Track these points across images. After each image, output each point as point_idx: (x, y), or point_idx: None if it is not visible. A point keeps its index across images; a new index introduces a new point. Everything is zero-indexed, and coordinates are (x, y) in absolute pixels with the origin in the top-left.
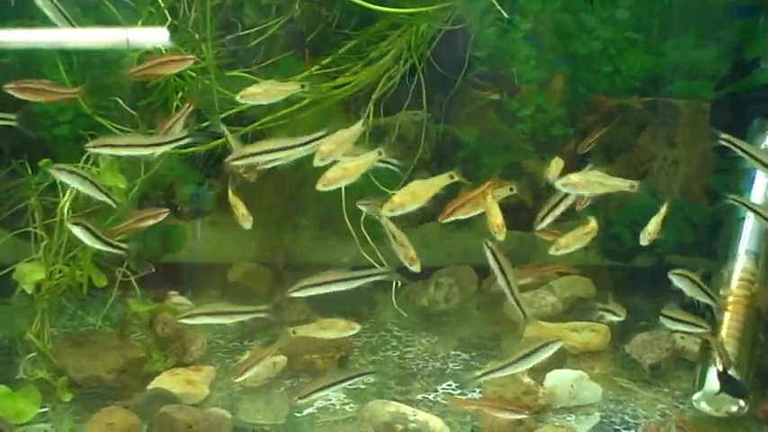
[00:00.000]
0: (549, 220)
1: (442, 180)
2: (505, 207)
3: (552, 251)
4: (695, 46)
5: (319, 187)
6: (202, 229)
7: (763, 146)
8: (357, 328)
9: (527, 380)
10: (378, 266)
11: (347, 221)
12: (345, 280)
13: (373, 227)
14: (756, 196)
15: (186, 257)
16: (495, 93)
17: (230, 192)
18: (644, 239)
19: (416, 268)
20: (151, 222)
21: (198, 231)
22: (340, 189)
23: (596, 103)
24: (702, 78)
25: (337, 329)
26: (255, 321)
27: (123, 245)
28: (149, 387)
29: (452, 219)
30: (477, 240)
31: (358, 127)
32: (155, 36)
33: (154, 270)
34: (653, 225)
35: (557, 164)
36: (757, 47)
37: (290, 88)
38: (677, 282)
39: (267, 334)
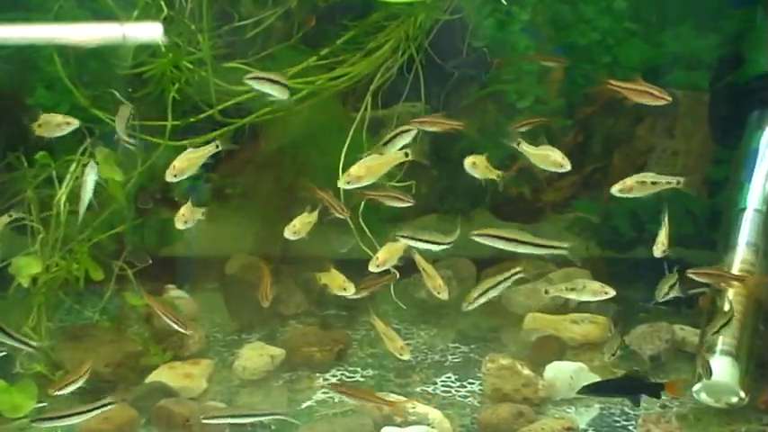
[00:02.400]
0: None
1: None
2: (505, 198)
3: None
4: (694, 36)
5: (342, 184)
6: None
7: (763, 139)
8: None
9: (527, 372)
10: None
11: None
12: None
13: (371, 219)
14: (756, 187)
15: (183, 251)
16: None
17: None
18: (657, 251)
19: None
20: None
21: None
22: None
23: (595, 93)
24: (701, 69)
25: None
26: (253, 315)
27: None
28: (147, 380)
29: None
30: None
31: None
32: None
33: (151, 262)
34: (662, 236)
35: None
36: (752, 38)
37: None
38: None
39: (266, 327)
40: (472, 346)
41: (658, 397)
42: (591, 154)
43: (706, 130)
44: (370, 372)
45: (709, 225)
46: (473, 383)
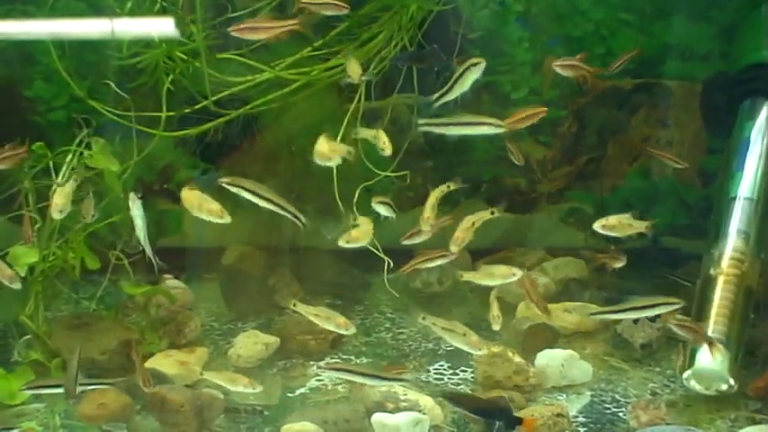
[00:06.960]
0: None
1: None
2: (500, 189)
3: None
4: (688, 26)
5: None
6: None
7: (754, 128)
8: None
9: (518, 359)
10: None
11: (339, 204)
12: None
13: (365, 208)
14: (747, 176)
15: (181, 241)
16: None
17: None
18: None
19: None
20: None
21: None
22: (338, 174)
23: (589, 84)
24: (695, 59)
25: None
26: (249, 304)
27: None
28: None
29: None
30: None
31: None
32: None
33: (141, 249)
34: None
35: None
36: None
37: None
38: None
39: (261, 316)
40: None
41: (512, 429)
42: (585, 144)
43: (700, 120)
44: (364, 360)
45: (703, 215)
46: (465, 371)
